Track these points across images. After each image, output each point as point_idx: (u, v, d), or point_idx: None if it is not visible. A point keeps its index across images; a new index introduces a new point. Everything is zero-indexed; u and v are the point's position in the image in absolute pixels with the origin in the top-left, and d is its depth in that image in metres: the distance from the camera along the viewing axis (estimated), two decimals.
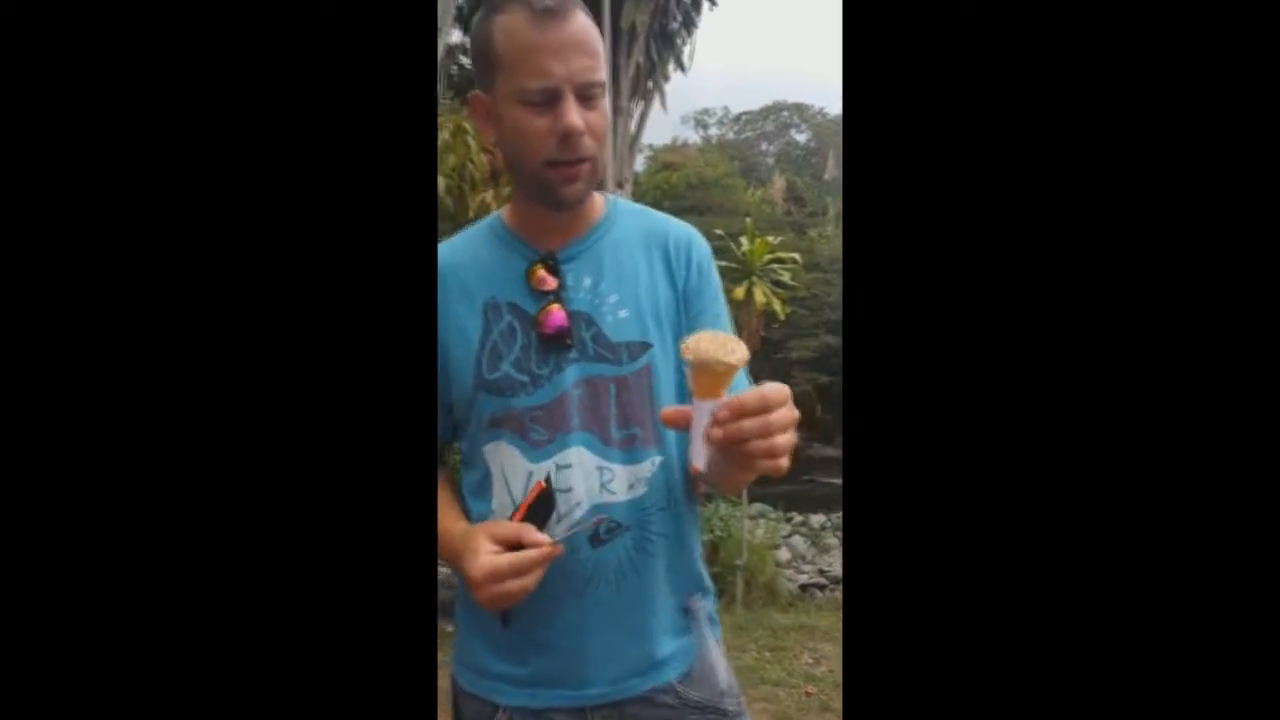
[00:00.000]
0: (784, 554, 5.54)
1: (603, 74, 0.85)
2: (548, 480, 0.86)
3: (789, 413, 0.71)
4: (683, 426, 0.73)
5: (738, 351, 0.69)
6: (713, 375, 0.69)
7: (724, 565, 4.88)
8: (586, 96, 0.83)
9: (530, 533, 0.79)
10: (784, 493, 7.00)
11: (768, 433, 0.69)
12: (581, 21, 0.83)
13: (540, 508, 0.83)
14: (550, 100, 0.81)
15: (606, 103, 0.86)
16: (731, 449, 0.70)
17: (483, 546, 0.79)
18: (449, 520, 0.89)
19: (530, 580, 0.78)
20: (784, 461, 0.72)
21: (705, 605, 0.93)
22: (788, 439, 0.71)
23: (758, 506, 6.55)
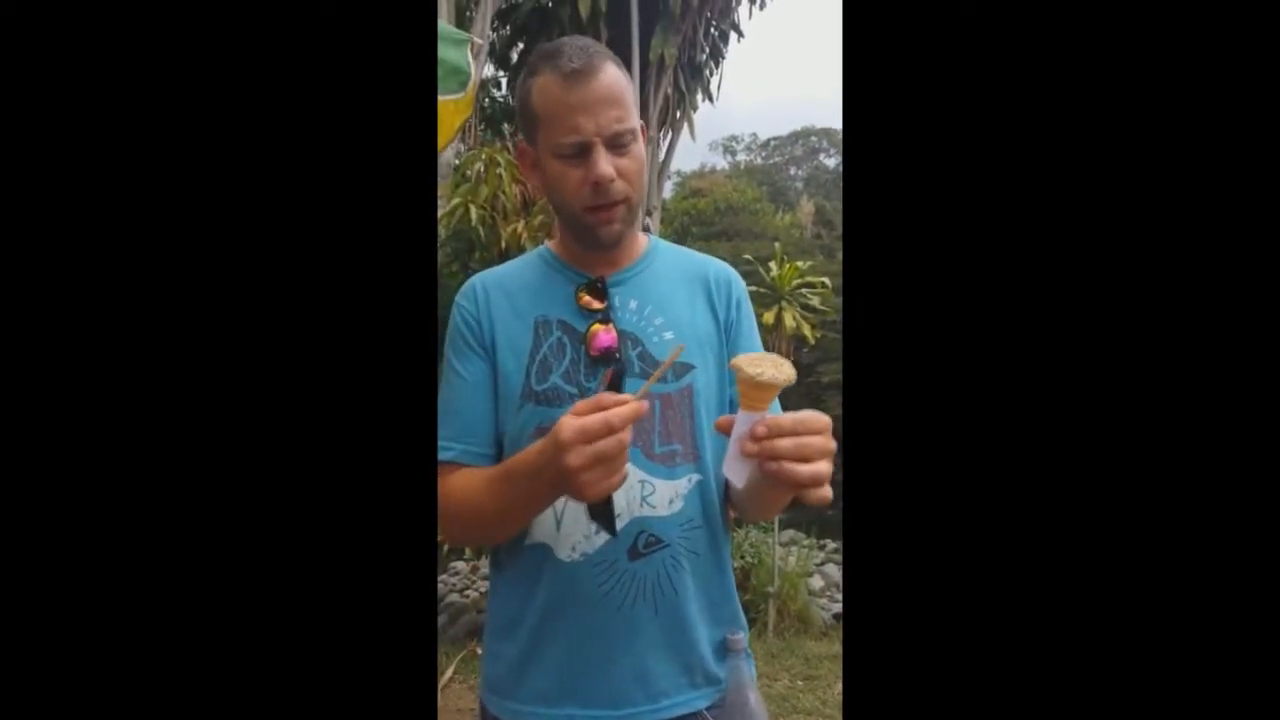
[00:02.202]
0: (817, 582, 5.44)
1: (633, 121, 0.89)
2: (617, 364, 0.88)
3: (826, 442, 0.72)
4: (729, 434, 0.75)
5: (784, 368, 0.72)
6: (759, 388, 0.72)
7: (755, 592, 4.81)
8: (617, 145, 0.87)
9: (611, 397, 0.74)
10: (816, 519, 6.90)
11: (801, 455, 0.71)
12: (609, 76, 0.87)
13: (615, 390, 0.86)
14: (582, 153, 0.87)
15: (640, 145, 0.90)
16: (765, 467, 0.71)
17: (566, 420, 0.73)
18: (516, 457, 0.85)
19: (625, 437, 0.72)
20: (825, 491, 0.72)
21: (743, 639, 0.94)
22: (824, 467, 0.72)
23: (789, 533, 6.46)
